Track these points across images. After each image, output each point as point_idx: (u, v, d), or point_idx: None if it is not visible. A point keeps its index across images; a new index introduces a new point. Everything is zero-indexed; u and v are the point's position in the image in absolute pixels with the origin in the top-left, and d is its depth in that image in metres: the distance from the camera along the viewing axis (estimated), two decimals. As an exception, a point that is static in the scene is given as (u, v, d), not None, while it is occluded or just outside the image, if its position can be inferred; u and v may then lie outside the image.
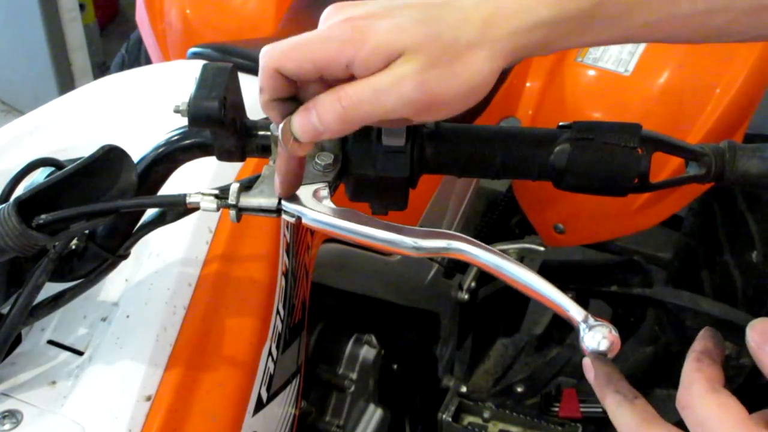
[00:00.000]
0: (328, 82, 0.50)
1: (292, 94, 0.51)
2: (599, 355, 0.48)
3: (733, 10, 0.51)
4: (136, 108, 0.87)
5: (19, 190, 0.58)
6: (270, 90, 0.50)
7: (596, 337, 0.48)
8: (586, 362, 0.49)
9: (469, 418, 1.61)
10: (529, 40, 0.49)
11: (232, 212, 0.57)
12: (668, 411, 0.46)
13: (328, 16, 0.51)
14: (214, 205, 0.57)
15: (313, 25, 0.51)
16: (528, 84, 1.38)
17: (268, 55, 0.49)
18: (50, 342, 0.66)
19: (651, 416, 0.45)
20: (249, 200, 0.56)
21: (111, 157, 0.58)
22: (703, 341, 0.47)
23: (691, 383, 0.44)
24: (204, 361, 0.68)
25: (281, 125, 0.51)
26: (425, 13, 0.49)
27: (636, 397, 0.46)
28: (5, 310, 0.60)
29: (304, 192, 0.56)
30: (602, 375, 0.48)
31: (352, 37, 0.48)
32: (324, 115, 0.49)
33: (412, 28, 0.48)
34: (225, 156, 0.60)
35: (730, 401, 0.42)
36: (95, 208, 0.57)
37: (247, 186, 0.57)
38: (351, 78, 0.49)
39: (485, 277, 1.57)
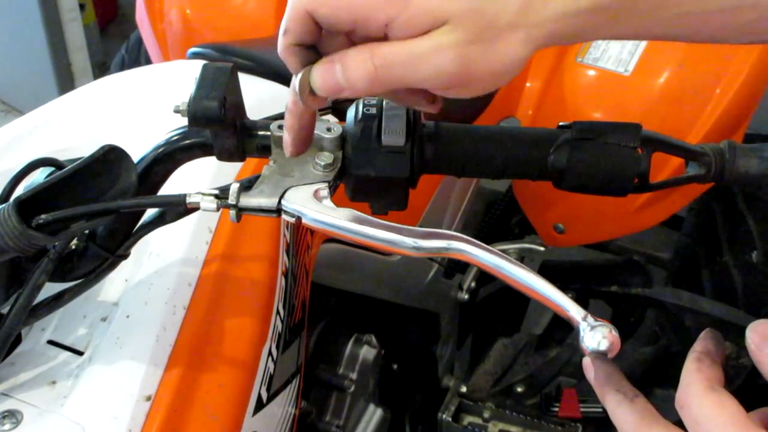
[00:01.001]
0: (355, 39, 0.48)
1: (315, 44, 0.49)
2: (599, 355, 0.48)
3: (761, 7, 0.50)
4: (136, 108, 0.87)
5: (19, 190, 0.58)
6: (295, 33, 0.48)
7: (596, 337, 0.48)
8: (586, 362, 0.49)
9: (469, 418, 1.61)
10: (566, 28, 0.49)
11: (232, 212, 0.57)
12: (668, 411, 0.46)
13: None
14: (214, 205, 0.57)
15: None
16: (528, 84, 1.38)
17: None
18: (50, 342, 0.66)
19: (651, 415, 0.45)
20: (249, 200, 0.56)
21: (111, 157, 0.58)
22: (703, 342, 0.47)
23: (690, 383, 0.44)
24: (204, 361, 0.68)
25: (300, 74, 0.49)
26: None
27: (636, 395, 0.46)
28: (5, 310, 0.60)
29: (304, 192, 0.56)
30: (602, 374, 0.48)
31: None
32: (352, 72, 0.47)
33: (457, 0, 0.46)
34: (225, 156, 0.60)
35: (728, 400, 0.42)
36: (95, 208, 0.57)
37: (247, 186, 0.57)
38: (384, 38, 0.47)
39: (485, 277, 1.57)
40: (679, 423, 0.44)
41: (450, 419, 1.56)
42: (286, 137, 0.54)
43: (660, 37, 0.53)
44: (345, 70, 0.47)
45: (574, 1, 0.48)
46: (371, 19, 0.46)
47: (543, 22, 0.48)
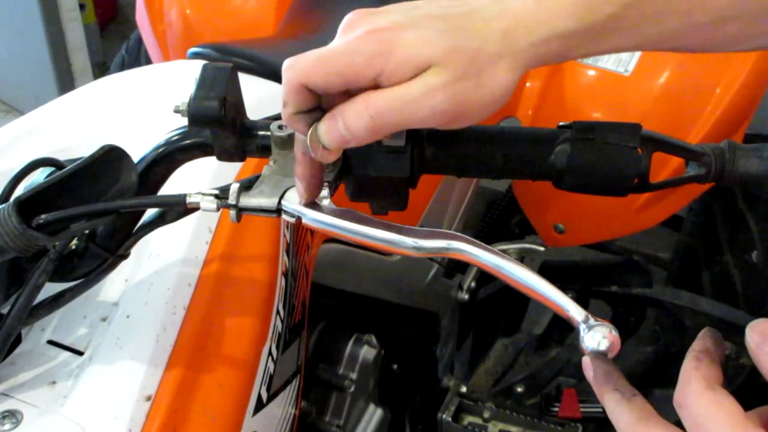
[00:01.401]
0: (352, 92, 0.50)
1: (317, 105, 0.51)
2: (598, 355, 0.48)
3: (745, 17, 0.51)
4: (136, 108, 0.87)
5: (19, 190, 0.58)
6: (295, 104, 0.50)
7: (596, 337, 0.48)
8: (586, 361, 0.49)
9: (469, 418, 1.61)
10: (548, 51, 0.50)
11: (232, 212, 0.57)
12: (668, 411, 0.46)
13: (350, 25, 0.50)
14: (214, 205, 0.57)
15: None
16: (528, 84, 1.38)
17: (293, 69, 0.50)
18: (50, 342, 0.66)
19: (649, 414, 0.45)
20: (249, 200, 0.56)
21: (111, 157, 0.58)
22: (702, 341, 0.47)
23: (688, 381, 0.44)
24: (204, 361, 0.68)
25: (309, 134, 0.51)
26: (448, 24, 0.49)
27: (634, 395, 0.46)
28: (5, 310, 0.60)
29: (304, 192, 0.56)
30: (601, 373, 0.48)
31: (379, 49, 0.48)
32: (352, 125, 0.49)
33: (438, 40, 0.48)
34: (225, 156, 0.60)
35: (726, 399, 0.42)
36: (95, 208, 0.57)
37: (247, 186, 0.57)
38: (376, 87, 0.49)
39: (485, 277, 1.57)
40: (678, 423, 0.44)
41: (450, 419, 1.56)
42: (300, 186, 0.55)
43: (650, 50, 0.54)
44: (345, 122, 0.49)
45: (554, 26, 0.49)
46: (360, 76, 0.49)
47: (526, 48, 0.50)
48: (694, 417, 0.43)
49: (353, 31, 0.50)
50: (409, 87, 0.48)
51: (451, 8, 0.50)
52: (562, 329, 1.67)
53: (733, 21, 0.51)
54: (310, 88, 0.49)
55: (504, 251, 0.53)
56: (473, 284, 1.55)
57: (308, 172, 0.55)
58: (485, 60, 0.49)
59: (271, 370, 0.76)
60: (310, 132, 0.51)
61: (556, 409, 1.56)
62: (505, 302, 1.67)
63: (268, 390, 0.75)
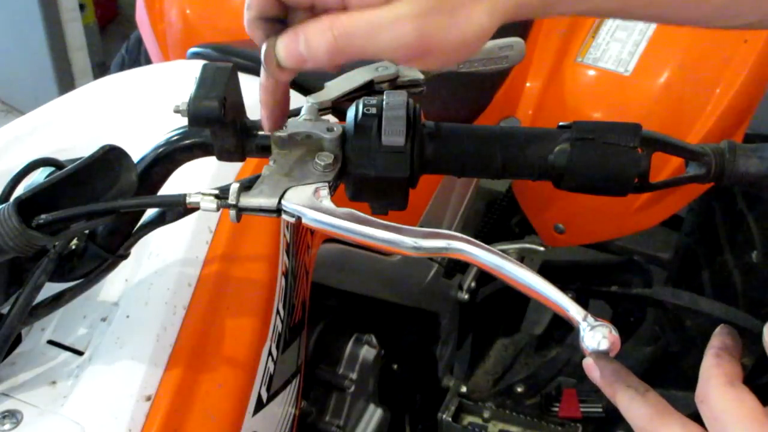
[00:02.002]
0: (317, 13, 0.48)
1: (280, 17, 0.50)
2: (602, 354, 0.48)
3: None
4: (136, 108, 0.87)
5: (19, 190, 0.58)
6: (258, 6, 0.49)
7: (596, 337, 0.48)
8: (588, 363, 0.48)
9: (469, 418, 1.61)
10: (530, 2, 0.48)
11: (232, 212, 0.57)
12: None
13: None
14: (214, 205, 0.57)
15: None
16: (528, 84, 1.38)
17: None
18: (50, 342, 0.66)
19: (665, 408, 0.45)
20: (249, 200, 0.56)
21: (111, 157, 0.58)
22: (721, 338, 0.47)
23: (709, 378, 0.45)
24: (204, 361, 0.68)
25: (264, 45, 0.50)
26: None
27: (647, 390, 0.46)
28: (5, 310, 0.60)
29: (304, 192, 0.56)
30: (609, 373, 0.48)
31: None
32: (312, 42, 0.47)
33: None
34: (225, 156, 0.60)
35: (747, 396, 0.42)
36: (95, 208, 0.57)
37: (247, 186, 0.57)
38: (343, 10, 0.47)
39: (485, 277, 1.57)
40: (690, 416, 0.44)
41: (450, 419, 1.56)
42: (263, 113, 0.54)
43: (633, 17, 0.53)
44: (306, 41, 0.48)
45: None
46: None
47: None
48: (715, 413, 0.43)
49: None
50: (378, 13, 0.46)
51: None
52: (562, 329, 1.67)
53: None
54: None
55: (504, 251, 0.53)
56: (473, 284, 1.55)
57: (271, 98, 0.53)
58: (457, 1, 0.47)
59: (271, 370, 0.76)
60: (266, 43, 0.49)
61: (556, 409, 1.57)
62: (505, 302, 1.67)
63: (268, 390, 0.75)
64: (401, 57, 0.48)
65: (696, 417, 0.44)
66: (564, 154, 0.57)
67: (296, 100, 0.93)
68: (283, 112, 0.55)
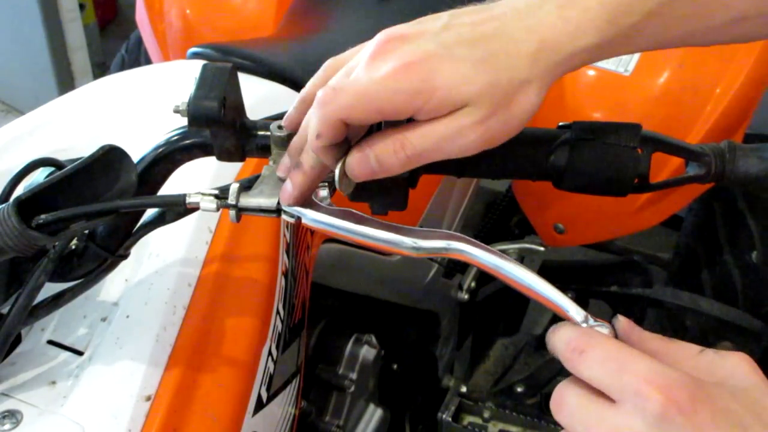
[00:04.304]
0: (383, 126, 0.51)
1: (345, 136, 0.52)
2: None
3: (766, 14, 0.52)
4: (136, 108, 0.87)
5: (19, 190, 0.58)
6: (328, 137, 0.50)
7: (596, 337, 0.48)
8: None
9: (469, 418, 1.61)
10: (572, 65, 0.51)
11: (232, 212, 0.57)
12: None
13: (381, 51, 0.50)
14: (214, 205, 0.57)
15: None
16: (528, 84, 1.38)
17: (332, 105, 0.49)
18: (50, 342, 0.66)
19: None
20: (249, 200, 0.56)
21: (111, 157, 0.58)
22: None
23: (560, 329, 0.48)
24: (204, 361, 0.68)
25: (338, 167, 0.51)
26: (481, 51, 0.49)
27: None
28: (5, 310, 0.60)
29: (304, 192, 0.56)
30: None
31: (419, 87, 0.48)
32: (384, 159, 0.50)
33: (474, 76, 0.48)
34: (225, 156, 0.60)
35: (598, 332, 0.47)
36: (95, 208, 0.57)
37: (247, 186, 0.57)
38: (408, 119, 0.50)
39: (485, 277, 1.57)
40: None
41: (450, 419, 1.56)
42: (291, 191, 0.55)
43: (662, 48, 0.55)
44: (378, 159, 0.50)
45: (580, 42, 0.50)
46: (399, 113, 0.49)
47: (553, 68, 0.50)
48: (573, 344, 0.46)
49: (386, 59, 0.49)
50: (444, 125, 0.49)
51: (479, 26, 0.50)
52: (562, 329, 1.66)
53: (754, 19, 0.52)
54: (348, 123, 0.50)
55: (504, 251, 0.53)
56: (473, 284, 1.55)
57: (307, 184, 0.55)
58: (515, 89, 0.49)
59: (271, 370, 0.76)
60: (339, 166, 0.51)
61: (556, 409, 1.56)
62: (505, 302, 1.67)
63: (268, 390, 0.75)
64: (462, 156, 0.51)
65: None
66: (564, 154, 0.57)
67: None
68: (310, 194, 0.56)
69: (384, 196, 0.60)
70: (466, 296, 1.53)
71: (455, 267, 1.48)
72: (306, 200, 0.56)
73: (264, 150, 0.60)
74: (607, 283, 1.61)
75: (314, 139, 0.51)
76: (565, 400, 0.46)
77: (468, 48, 0.49)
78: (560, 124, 0.59)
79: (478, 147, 0.50)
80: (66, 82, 2.65)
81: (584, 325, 0.49)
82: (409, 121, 0.50)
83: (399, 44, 0.50)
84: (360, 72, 0.50)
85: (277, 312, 0.77)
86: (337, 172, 0.52)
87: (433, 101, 0.48)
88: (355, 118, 0.49)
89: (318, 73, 0.56)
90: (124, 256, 0.66)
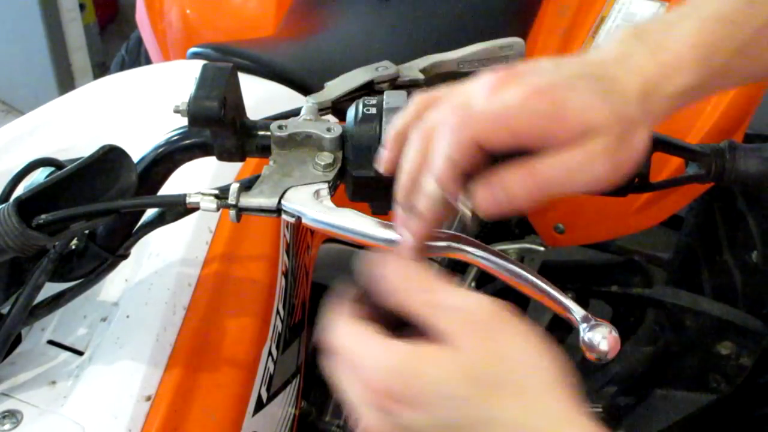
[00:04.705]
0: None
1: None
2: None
3: None
4: (136, 108, 0.87)
5: (19, 190, 0.58)
6: (463, 164, 0.48)
7: (596, 337, 0.48)
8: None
9: (469, 418, 1.60)
10: (674, 106, 0.51)
11: (232, 212, 0.57)
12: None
13: (499, 84, 0.48)
14: (214, 205, 0.57)
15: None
16: (528, 84, 1.38)
17: (468, 126, 0.47)
18: (50, 342, 0.66)
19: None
20: (249, 200, 0.56)
21: (111, 157, 0.58)
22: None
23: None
24: (204, 361, 0.68)
25: (463, 200, 0.49)
26: (598, 85, 0.49)
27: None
28: (5, 310, 0.60)
29: (304, 192, 0.56)
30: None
31: (553, 111, 0.47)
32: (513, 192, 0.48)
33: (599, 105, 0.48)
34: (225, 156, 0.60)
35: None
36: (95, 208, 0.57)
37: (247, 186, 0.57)
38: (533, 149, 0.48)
39: (485, 277, 1.57)
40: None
41: (450, 419, 1.55)
42: (409, 240, 0.52)
43: (756, 81, 0.57)
44: (507, 193, 0.48)
45: (677, 82, 0.50)
46: (535, 138, 0.48)
47: (657, 107, 0.50)
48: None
49: (512, 88, 0.48)
50: (575, 153, 0.48)
51: (588, 67, 0.50)
52: (562, 329, 1.66)
53: None
54: (483, 147, 0.48)
55: (504, 251, 0.53)
56: (473, 284, 1.54)
57: (427, 230, 0.52)
58: (632, 123, 0.49)
59: (271, 370, 0.76)
60: (464, 198, 0.49)
61: (556, 409, 1.56)
62: (505, 302, 1.66)
63: (268, 390, 0.75)
64: (593, 189, 0.50)
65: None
66: (564, 154, 0.57)
67: (296, 100, 0.93)
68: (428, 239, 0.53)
69: (384, 196, 0.60)
70: (466, 296, 1.53)
71: (455, 267, 1.47)
72: (423, 250, 0.52)
73: (264, 150, 0.60)
74: (607, 283, 1.61)
75: (442, 166, 0.48)
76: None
77: (585, 81, 0.49)
78: (560, 124, 0.59)
79: (606, 178, 0.49)
80: (66, 82, 2.65)
81: (584, 324, 0.49)
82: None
83: (519, 77, 0.49)
84: (488, 97, 0.48)
85: (277, 312, 0.77)
86: (465, 207, 0.49)
87: (565, 125, 0.47)
88: (491, 141, 0.47)
89: (409, 109, 0.53)
90: (124, 256, 0.66)
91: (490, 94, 0.48)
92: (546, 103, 0.47)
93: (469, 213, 0.50)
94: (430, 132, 0.49)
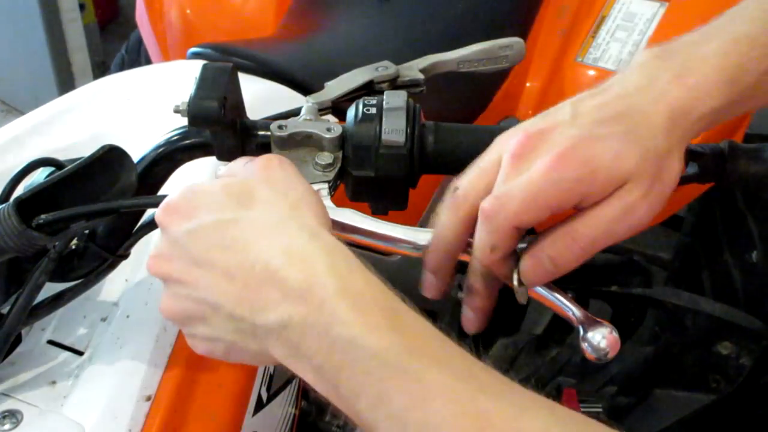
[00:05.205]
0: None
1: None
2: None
3: None
4: (136, 108, 0.87)
5: (19, 190, 0.58)
6: (505, 247, 0.50)
7: (596, 337, 0.48)
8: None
9: (469, 418, 1.60)
10: (700, 128, 0.51)
11: (232, 212, 0.56)
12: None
13: (522, 150, 0.49)
14: (214, 205, 0.57)
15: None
16: (528, 84, 1.38)
17: (504, 214, 0.49)
18: (50, 342, 0.66)
19: None
20: (249, 200, 0.56)
21: (111, 157, 0.58)
22: None
23: None
24: (204, 361, 0.68)
25: (515, 278, 0.51)
26: (622, 126, 0.49)
27: None
28: (5, 310, 0.60)
29: (304, 192, 0.56)
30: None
31: (581, 173, 0.48)
32: (560, 259, 0.49)
33: (628, 152, 0.48)
34: (225, 156, 0.60)
35: None
36: (95, 208, 0.57)
37: (247, 186, 0.57)
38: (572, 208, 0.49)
39: (485, 277, 1.57)
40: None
41: (450, 419, 1.55)
42: (472, 316, 0.56)
43: None
44: (552, 260, 0.49)
45: (705, 105, 0.50)
46: (568, 204, 0.48)
47: (686, 132, 0.50)
48: None
49: (535, 156, 0.49)
50: (611, 207, 0.48)
51: (607, 107, 0.50)
52: (562, 329, 1.66)
53: None
54: (521, 227, 0.49)
55: (504, 251, 0.53)
56: (473, 284, 1.54)
57: (489, 304, 0.55)
58: (661, 158, 0.49)
59: (271, 369, 0.76)
60: (515, 276, 0.51)
61: (556, 409, 1.56)
62: (505, 302, 1.66)
63: (268, 390, 0.75)
64: (633, 234, 0.51)
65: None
66: (564, 154, 0.57)
67: (296, 100, 0.93)
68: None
69: (384, 196, 0.60)
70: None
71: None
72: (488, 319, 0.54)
73: (264, 150, 0.60)
74: (607, 283, 1.61)
75: (489, 253, 0.50)
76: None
77: (608, 126, 0.49)
78: (560, 124, 0.59)
79: (645, 223, 0.49)
80: (66, 82, 2.65)
81: (584, 325, 0.49)
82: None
83: (539, 140, 0.49)
84: (513, 174, 0.49)
85: (277, 312, 0.77)
86: (515, 282, 0.50)
87: (597, 183, 0.48)
88: (527, 221, 0.49)
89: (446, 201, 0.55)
90: (124, 256, 0.66)
91: (513, 172, 0.49)
92: (573, 168, 0.47)
93: (519, 287, 0.51)
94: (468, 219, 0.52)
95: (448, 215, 0.53)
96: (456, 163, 0.59)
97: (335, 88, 0.66)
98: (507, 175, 0.49)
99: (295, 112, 0.63)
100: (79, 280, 0.64)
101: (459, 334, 1.67)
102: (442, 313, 1.50)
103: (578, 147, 0.48)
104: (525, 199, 0.48)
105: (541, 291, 0.52)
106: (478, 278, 0.53)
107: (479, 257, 0.51)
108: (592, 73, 1.33)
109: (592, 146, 0.48)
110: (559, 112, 0.51)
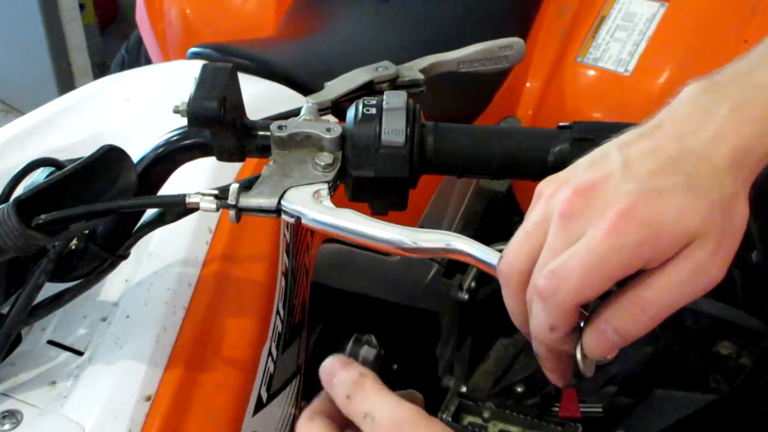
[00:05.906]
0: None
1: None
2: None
3: None
4: (136, 108, 0.87)
5: (19, 190, 0.58)
6: (567, 327, 0.46)
7: (596, 337, 0.48)
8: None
9: (469, 418, 1.61)
10: (764, 163, 0.47)
11: (232, 212, 0.57)
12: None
13: (571, 211, 0.45)
14: (213, 206, 0.57)
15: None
16: (528, 84, 1.38)
17: (564, 293, 0.44)
18: (50, 342, 0.66)
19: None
20: (249, 200, 0.56)
21: (111, 157, 0.58)
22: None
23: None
24: (204, 361, 0.68)
25: (578, 352, 0.47)
26: (681, 176, 0.44)
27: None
28: (5, 310, 0.60)
29: (304, 192, 0.56)
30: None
31: (643, 236, 0.43)
32: (626, 331, 0.44)
33: (693, 206, 0.43)
34: (225, 156, 0.60)
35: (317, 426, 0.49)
36: (95, 208, 0.57)
37: (246, 186, 0.57)
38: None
39: (485, 277, 1.57)
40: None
41: (450, 419, 1.56)
42: (553, 376, 0.52)
43: None
44: (618, 332, 0.45)
45: (763, 142, 0.46)
46: (631, 270, 0.44)
47: (752, 172, 0.46)
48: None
49: (584, 227, 0.44)
50: (680, 269, 0.43)
51: (660, 152, 0.45)
52: (562, 329, 1.66)
53: None
54: (582, 303, 0.45)
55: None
56: (473, 284, 1.54)
57: (560, 364, 0.50)
58: (729, 206, 0.45)
59: (271, 370, 0.76)
60: (578, 351, 0.47)
61: (556, 409, 1.56)
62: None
63: (268, 390, 0.75)
64: (705, 293, 0.46)
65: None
66: (564, 155, 0.57)
67: (296, 100, 0.93)
68: (570, 365, 0.51)
69: (384, 196, 0.60)
70: (466, 296, 1.53)
71: (455, 267, 1.47)
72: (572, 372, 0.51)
73: (264, 150, 0.60)
74: (607, 283, 1.61)
75: (549, 333, 0.46)
76: None
77: (666, 177, 0.44)
78: (560, 124, 0.59)
79: (719, 281, 0.44)
80: (66, 82, 2.65)
81: (584, 325, 0.49)
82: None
83: (591, 197, 0.45)
84: (565, 240, 0.45)
85: (277, 312, 0.77)
86: (579, 357, 0.47)
87: (661, 245, 0.43)
88: (589, 296, 0.44)
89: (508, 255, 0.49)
90: (124, 256, 0.66)
91: (565, 238, 0.44)
92: (633, 231, 0.43)
93: (584, 360, 0.47)
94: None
95: (507, 300, 0.49)
96: (456, 163, 0.59)
97: (335, 88, 0.66)
98: (558, 241, 0.45)
99: (295, 113, 0.63)
100: (79, 280, 0.64)
101: (459, 336, 1.68)
102: (442, 313, 1.50)
103: (637, 205, 0.43)
104: (585, 272, 0.43)
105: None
106: (543, 350, 0.49)
107: (538, 338, 0.47)
108: (592, 73, 1.33)
109: (653, 203, 0.43)
110: (607, 159, 0.46)
